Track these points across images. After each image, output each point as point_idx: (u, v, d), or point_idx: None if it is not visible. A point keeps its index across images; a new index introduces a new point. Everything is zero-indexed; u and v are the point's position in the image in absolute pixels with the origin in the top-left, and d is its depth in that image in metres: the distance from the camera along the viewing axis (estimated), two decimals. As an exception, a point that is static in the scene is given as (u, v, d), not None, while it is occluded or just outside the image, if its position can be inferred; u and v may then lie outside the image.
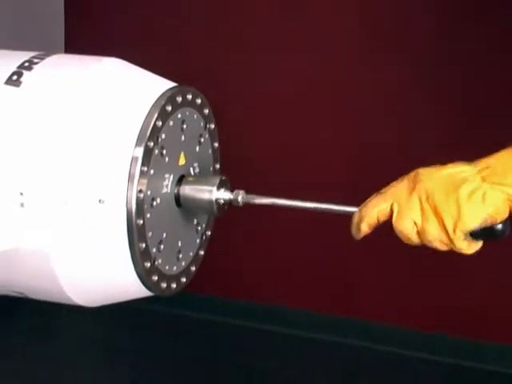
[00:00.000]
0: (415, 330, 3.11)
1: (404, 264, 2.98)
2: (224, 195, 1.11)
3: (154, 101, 1.05)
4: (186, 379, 2.94)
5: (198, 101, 1.13)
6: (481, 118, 2.94)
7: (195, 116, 1.13)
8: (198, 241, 1.18)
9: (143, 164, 1.02)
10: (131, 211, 1.01)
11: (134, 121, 1.03)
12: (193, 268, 1.16)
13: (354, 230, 1.07)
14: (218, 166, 1.19)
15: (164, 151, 1.06)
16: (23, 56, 1.09)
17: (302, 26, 3.15)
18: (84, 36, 3.33)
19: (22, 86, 1.05)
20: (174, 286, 1.12)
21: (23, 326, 3.20)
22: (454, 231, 0.99)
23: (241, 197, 1.12)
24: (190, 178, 1.11)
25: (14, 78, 1.05)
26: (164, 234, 1.08)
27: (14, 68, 1.06)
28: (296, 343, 3.18)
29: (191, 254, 1.16)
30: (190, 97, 1.11)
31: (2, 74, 1.06)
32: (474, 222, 0.99)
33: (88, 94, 1.04)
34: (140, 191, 1.01)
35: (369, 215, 1.04)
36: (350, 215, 1.09)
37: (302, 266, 3.25)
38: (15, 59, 1.08)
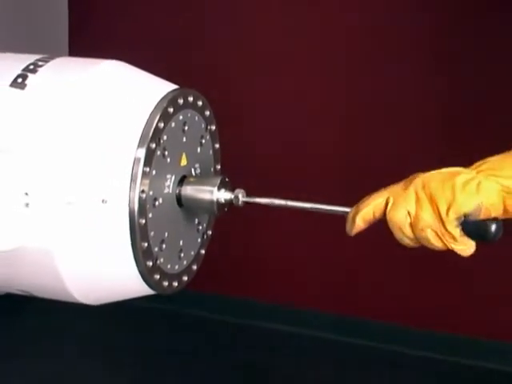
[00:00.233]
0: (415, 329, 3.12)
1: (405, 263, 2.99)
2: (224, 195, 1.12)
3: (156, 103, 1.06)
4: (187, 377, 2.94)
5: (200, 103, 1.14)
6: (480, 118, 2.94)
7: (196, 118, 1.14)
8: (199, 240, 1.18)
9: (145, 165, 1.02)
10: (134, 211, 1.02)
11: (136, 122, 1.04)
12: (194, 267, 1.17)
13: (348, 226, 1.07)
14: (218, 166, 1.20)
15: (166, 152, 1.06)
16: (28, 59, 1.10)
17: (302, 27, 3.15)
18: (87, 38, 3.35)
19: (26, 88, 1.06)
20: (175, 284, 1.12)
21: (26, 325, 3.20)
22: (447, 214, 1.01)
23: (241, 197, 1.13)
24: (192, 179, 1.12)
25: (19, 80, 1.06)
26: (166, 234, 1.09)
27: (18, 71, 1.07)
28: (296, 341, 3.18)
29: (192, 252, 1.17)
30: (191, 99, 1.12)
31: (8, 76, 1.07)
32: (468, 207, 1.01)
33: (91, 96, 1.05)
34: (142, 191, 1.02)
35: (364, 210, 1.05)
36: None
37: (302, 265, 3.25)
38: (20, 62, 1.09)
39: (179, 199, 1.11)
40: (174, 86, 1.12)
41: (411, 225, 1.03)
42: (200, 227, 1.18)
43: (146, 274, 1.06)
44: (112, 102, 1.05)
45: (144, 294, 1.12)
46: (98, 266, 1.05)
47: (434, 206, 1.01)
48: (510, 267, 2.93)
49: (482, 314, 3.03)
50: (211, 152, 1.19)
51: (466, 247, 1.03)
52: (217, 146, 1.20)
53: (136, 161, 1.02)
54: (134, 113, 1.05)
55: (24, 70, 1.08)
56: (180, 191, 1.11)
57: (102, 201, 1.02)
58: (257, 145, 3.22)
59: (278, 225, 3.16)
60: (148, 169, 1.03)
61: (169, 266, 1.11)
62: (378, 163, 2.98)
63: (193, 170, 1.14)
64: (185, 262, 1.15)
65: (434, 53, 2.97)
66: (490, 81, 2.90)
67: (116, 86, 1.07)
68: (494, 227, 1.01)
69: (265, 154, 3.21)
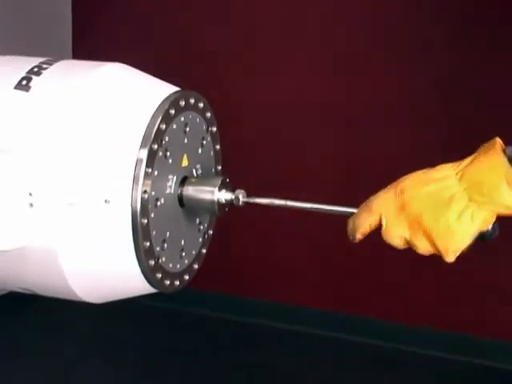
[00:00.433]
0: (415, 327, 3.12)
1: (405, 262, 3.00)
2: (225, 196, 1.13)
3: (157, 105, 1.07)
4: (187, 375, 2.95)
5: (201, 105, 1.15)
6: (480, 118, 2.94)
7: (198, 119, 1.15)
8: (200, 239, 1.19)
9: (148, 166, 1.04)
10: (136, 211, 1.03)
11: (138, 124, 1.05)
12: (195, 266, 1.18)
13: (350, 237, 1.09)
14: (219, 167, 1.21)
15: (168, 153, 1.08)
16: (32, 62, 1.10)
17: (302, 27, 3.15)
18: (90, 41, 3.36)
19: (31, 90, 1.07)
20: (177, 283, 1.13)
21: (26, 324, 3.20)
22: (447, 253, 1.01)
23: (241, 197, 1.14)
24: (193, 179, 1.13)
25: (24, 82, 1.07)
26: (167, 233, 1.10)
27: (23, 73, 1.08)
28: (296, 340, 3.19)
29: (194, 252, 1.18)
30: (192, 101, 1.13)
31: (12, 79, 1.08)
32: (466, 242, 1.01)
33: (94, 98, 1.06)
34: (145, 192, 1.04)
35: (361, 227, 1.07)
36: (347, 215, 1.12)
37: (302, 264, 3.25)
38: (25, 65, 1.10)
39: (181, 199, 1.12)
40: (176, 88, 1.12)
41: (407, 243, 1.04)
42: (201, 227, 1.19)
43: (148, 273, 1.07)
44: (114, 104, 1.06)
45: (146, 293, 1.13)
46: (101, 265, 1.06)
47: (431, 241, 1.02)
48: (509, 266, 2.93)
49: (482, 313, 3.03)
50: (212, 153, 1.20)
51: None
52: (218, 147, 1.21)
53: (138, 162, 1.03)
54: (136, 114, 1.06)
55: (28, 72, 1.09)
56: (181, 191, 1.12)
57: (105, 201, 1.03)
58: (257, 145, 3.22)
59: (278, 225, 3.16)
60: (150, 169, 1.04)
61: (170, 265, 1.12)
62: (378, 163, 2.98)
63: (194, 170, 1.15)
64: (186, 261, 1.16)
65: (435, 53, 2.96)
66: (490, 80, 2.90)
67: (118, 88, 1.08)
68: (489, 230, 1.03)
69: (265, 154, 3.21)
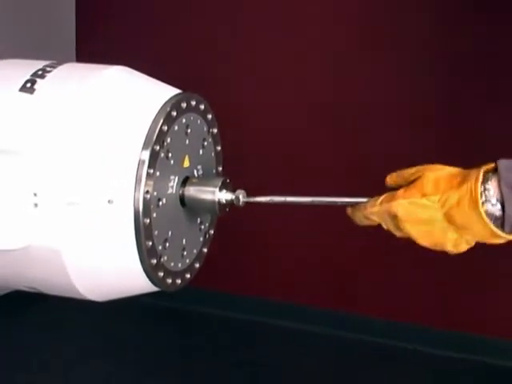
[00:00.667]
0: (415, 326, 3.13)
1: (404, 261, 3.00)
2: (226, 196, 1.15)
3: (159, 107, 1.08)
4: (188, 374, 2.95)
5: (202, 106, 1.16)
6: (481, 117, 2.94)
7: (199, 121, 1.16)
8: (201, 239, 1.21)
9: (150, 166, 1.05)
10: (138, 211, 1.04)
11: (140, 126, 1.06)
12: (196, 264, 1.19)
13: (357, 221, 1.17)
14: (220, 168, 1.23)
15: (169, 154, 1.09)
16: (37, 65, 1.12)
17: (302, 27, 3.15)
18: (94, 45, 3.38)
19: (35, 93, 1.08)
20: (178, 281, 1.15)
21: (27, 324, 3.19)
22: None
23: (242, 197, 1.16)
24: (194, 180, 1.15)
25: (28, 85, 1.08)
26: (169, 233, 1.11)
27: (28, 76, 1.09)
28: (296, 338, 3.19)
29: (195, 251, 1.19)
30: (194, 103, 1.14)
31: (17, 81, 1.09)
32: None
33: (97, 100, 1.07)
34: (147, 192, 1.05)
35: (367, 220, 1.14)
36: (348, 206, 1.16)
37: (302, 263, 3.25)
38: (29, 68, 1.11)
39: (182, 199, 1.14)
40: (178, 91, 1.14)
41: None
42: (202, 226, 1.21)
43: (150, 272, 1.08)
44: (117, 106, 1.07)
45: (148, 291, 1.14)
46: (104, 264, 1.07)
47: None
48: (509, 265, 2.94)
49: (482, 311, 3.03)
50: (213, 154, 1.21)
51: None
52: (218, 148, 1.22)
53: (141, 163, 1.05)
54: (138, 116, 1.07)
55: (33, 75, 1.10)
56: (183, 192, 1.13)
57: (108, 201, 1.04)
58: (257, 145, 3.22)
59: (278, 224, 3.16)
60: (152, 170, 1.05)
61: (172, 264, 1.13)
62: (378, 163, 2.97)
63: (195, 171, 1.16)
64: (187, 260, 1.17)
65: (436, 53, 2.96)
66: (490, 80, 2.90)
67: (121, 90, 1.09)
68: None
69: (265, 154, 3.21)
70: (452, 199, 1.04)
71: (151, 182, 1.05)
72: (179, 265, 1.15)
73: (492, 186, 1.02)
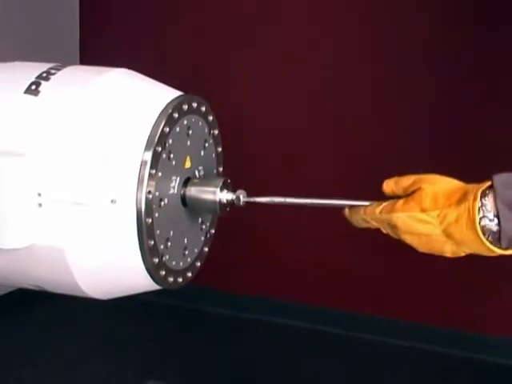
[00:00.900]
0: (415, 325, 3.14)
1: (404, 260, 3.01)
2: (227, 196, 1.16)
3: (161, 109, 1.09)
4: (188, 371, 2.95)
5: (203, 108, 1.17)
6: (481, 117, 2.95)
7: (200, 123, 1.17)
8: (202, 238, 1.22)
9: (152, 167, 1.06)
10: (141, 211, 1.06)
11: (143, 127, 1.08)
12: (198, 263, 1.20)
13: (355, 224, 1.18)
14: (221, 168, 1.24)
15: (171, 155, 1.10)
16: (41, 67, 1.13)
17: (302, 27, 3.15)
18: (97, 48, 3.40)
19: (40, 95, 1.09)
20: (180, 280, 1.16)
21: (29, 323, 3.20)
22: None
23: (242, 197, 1.17)
24: (195, 180, 1.16)
25: (33, 87, 1.10)
26: (171, 232, 1.12)
27: (32, 78, 1.11)
28: (296, 336, 3.20)
29: (196, 250, 1.20)
30: (195, 105, 1.15)
31: (22, 83, 1.10)
32: None
33: (101, 102, 1.08)
34: (149, 192, 1.06)
35: (365, 223, 1.16)
36: (343, 213, 1.17)
37: (302, 263, 3.26)
38: (34, 70, 1.12)
39: (184, 200, 1.15)
40: (179, 93, 1.15)
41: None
42: (203, 226, 1.22)
43: (152, 270, 1.09)
44: (120, 108, 1.09)
45: (150, 289, 1.15)
46: (107, 262, 1.09)
47: None
48: (509, 265, 2.95)
49: (482, 310, 3.04)
50: (214, 155, 1.23)
51: None
52: (219, 149, 1.24)
53: (143, 163, 1.06)
54: (140, 118, 1.08)
55: (37, 77, 1.11)
56: (184, 192, 1.15)
57: (111, 201, 1.05)
58: (257, 145, 3.23)
59: (278, 224, 3.17)
60: (154, 171, 1.07)
61: (174, 263, 1.14)
62: (378, 163, 2.98)
63: (196, 172, 1.18)
64: (189, 259, 1.18)
65: (435, 53, 2.97)
66: (490, 80, 2.91)
67: (124, 92, 1.11)
68: None
69: (265, 154, 3.22)
70: (450, 217, 1.06)
71: (153, 183, 1.07)
72: (181, 264, 1.16)
73: (489, 201, 1.04)
